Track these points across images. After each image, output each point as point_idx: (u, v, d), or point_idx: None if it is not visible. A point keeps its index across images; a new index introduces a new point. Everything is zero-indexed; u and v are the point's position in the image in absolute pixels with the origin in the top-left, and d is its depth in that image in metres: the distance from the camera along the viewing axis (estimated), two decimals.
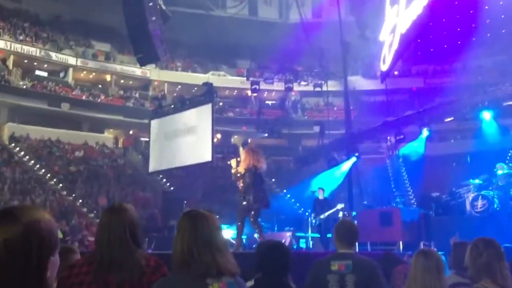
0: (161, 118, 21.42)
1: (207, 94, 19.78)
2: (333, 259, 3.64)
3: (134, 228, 2.57)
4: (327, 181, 18.70)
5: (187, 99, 22.59)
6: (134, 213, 2.65)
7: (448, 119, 18.77)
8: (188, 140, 19.36)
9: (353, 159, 18.43)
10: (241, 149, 8.40)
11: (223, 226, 14.94)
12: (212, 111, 18.89)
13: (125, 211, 2.59)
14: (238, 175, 8.17)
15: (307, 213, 12.86)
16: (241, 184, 8.10)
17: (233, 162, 8.42)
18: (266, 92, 34.62)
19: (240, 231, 8.25)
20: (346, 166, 18.79)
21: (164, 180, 27.05)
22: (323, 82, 25.30)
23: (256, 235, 9.96)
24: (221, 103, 34.71)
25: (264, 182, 8.41)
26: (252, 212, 8.01)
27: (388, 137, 22.11)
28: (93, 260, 2.51)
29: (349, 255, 3.64)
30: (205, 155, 18.68)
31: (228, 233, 12.29)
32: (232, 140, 35.36)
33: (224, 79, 35.49)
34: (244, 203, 7.97)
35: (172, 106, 22.76)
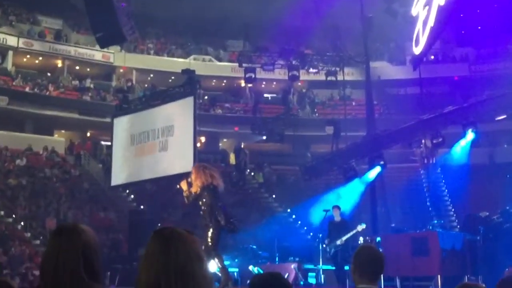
0: (128, 115, 21.47)
1: (188, 84, 19.83)
2: None
3: (90, 257, 2.55)
4: (344, 198, 18.70)
5: (161, 92, 22.60)
6: (92, 236, 2.63)
7: (500, 118, 18.79)
8: (163, 145, 19.37)
9: (378, 169, 18.44)
10: (192, 169, 9.25)
11: None
12: (194, 106, 18.95)
13: (78, 234, 2.57)
14: (191, 198, 9.10)
15: (318, 239, 12.86)
16: (202, 207, 8.98)
17: (183, 185, 9.17)
18: (264, 82, 34.67)
19: (221, 261, 9.01)
20: (368, 178, 18.79)
21: (132, 196, 27.00)
22: (338, 69, 25.29)
23: (252, 267, 10.05)
24: (206, 97, 34.78)
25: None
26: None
27: (423, 141, 22.03)
28: None
29: None
30: (186, 164, 18.35)
31: (213, 265, 12.34)
32: (220, 144, 35.37)
33: (210, 65, 35.56)
34: (211, 226, 8.88)
35: (142, 100, 22.75)
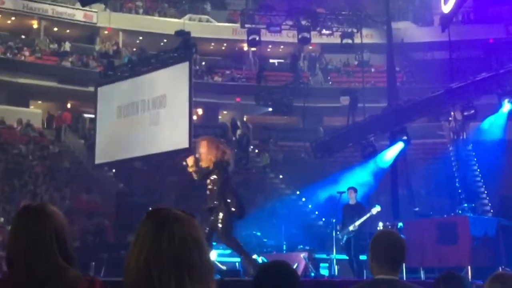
0: (114, 84, 21.44)
1: (183, 48, 19.80)
2: None
3: (63, 240, 2.58)
4: (360, 179, 18.75)
5: (152, 56, 22.55)
6: (63, 218, 2.66)
7: None
8: (153, 118, 19.36)
9: (400, 146, 18.45)
10: (202, 142, 8.99)
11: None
12: (189, 73, 18.96)
13: (48, 215, 2.60)
14: (201, 174, 8.87)
15: (331, 226, 12.92)
16: (210, 186, 8.77)
17: (190, 160, 8.93)
18: (270, 46, 34.56)
19: (240, 247, 8.97)
20: (389, 156, 18.81)
21: (119, 176, 27.10)
22: (355, 30, 25.17)
23: (256, 257, 10.12)
24: (203, 63, 34.71)
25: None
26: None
27: (452, 113, 22.08)
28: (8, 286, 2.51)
29: (392, 282, 3.64)
30: (180, 139, 18.70)
31: (212, 254, 12.44)
32: (220, 117, 35.37)
33: (208, 27, 35.43)
34: (231, 210, 8.72)
35: (130, 66, 22.73)
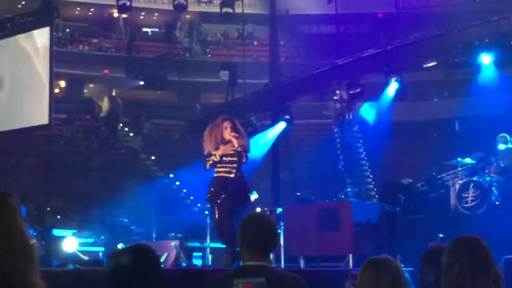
0: None
1: (43, 12, 19.28)
2: (237, 275, 3.71)
3: None
4: None
5: (6, 20, 21.68)
6: None
7: (429, 64, 19.34)
8: (5, 89, 18.82)
9: (282, 126, 18.60)
10: (226, 124, 9.17)
11: (69, 232, 14.75)
12: (50, 41, 18.70)
13: None
14: (223, 158, 9.07)
15: (206, 212, 12.83)
16: (234, 169, 9.08)
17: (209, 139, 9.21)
18: (143, 13, 34.15)
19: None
20: (270, 136, 18.93)
21: None
22: None
23: (122, 246, 9.95)
24: (67, 29, 33.75)
25: None
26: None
27: (338, 91, 22.42)
28: None
29: (262, 269, 3.70)
30: (38, 114, 18.45)
31: (72, 242, 12.15)
32: (85, 91, 34.63)
33: None
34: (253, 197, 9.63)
35: None
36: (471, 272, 3.17)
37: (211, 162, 9.04)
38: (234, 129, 9.07)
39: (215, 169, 9.13)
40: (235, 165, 9.07)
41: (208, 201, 9.33)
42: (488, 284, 3.19)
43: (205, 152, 9.21)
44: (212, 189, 9.09)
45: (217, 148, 9.03)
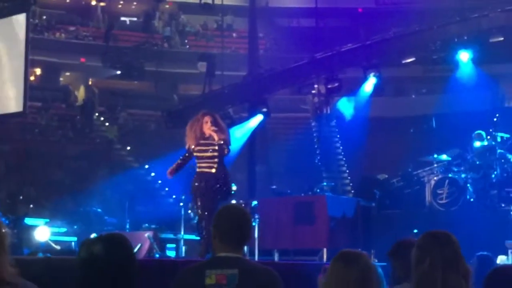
0: None
1: None
2: (209, 266, 3.71)
3: None
4: None
5: None
6: None
7: (408, 60, 19.39)
8: None
9: (259, 118, 18.59)
10: (206, 118, 9.25)
11: (41, 221, 14.66)
12: (26, 28, 18.47)
13: None
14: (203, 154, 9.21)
15: (181, 203, 12.81)
16: (216, 164, 9.12)
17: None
18: (122, 2, 33.95)
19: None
20: (247, 128, 18.92)
21: None
22: None
23: (95, 236, 9.88)
24: (44, 16, 33.45)
25: None
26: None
27: (316, 85, 22.47)
28: None
29: (235, 260, 3.70)
30: (12, 102, 18.31)
31: (45, 232, 12.20)
32: (61, 79, 34.39)
33: None
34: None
35: None
36: (442, 267, 3.19)
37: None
38: (214, 123, 9.10)
39: (197, 164, 9.19)
40: (216, 159, 9.09)
41: (191, 195, 9.43)
42: (458, 279, 3.21)
43: (186, 147, 9.30)
44: (195, 184, 9.14)
45: (198, 143, 9.10)
